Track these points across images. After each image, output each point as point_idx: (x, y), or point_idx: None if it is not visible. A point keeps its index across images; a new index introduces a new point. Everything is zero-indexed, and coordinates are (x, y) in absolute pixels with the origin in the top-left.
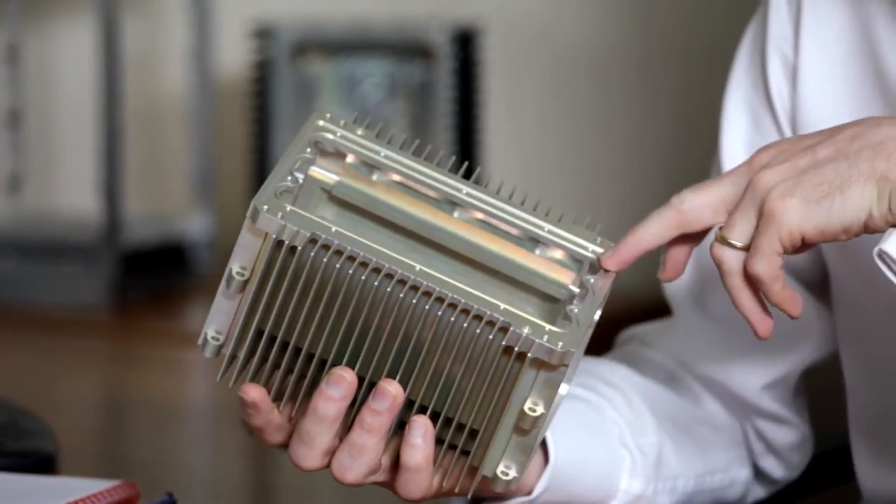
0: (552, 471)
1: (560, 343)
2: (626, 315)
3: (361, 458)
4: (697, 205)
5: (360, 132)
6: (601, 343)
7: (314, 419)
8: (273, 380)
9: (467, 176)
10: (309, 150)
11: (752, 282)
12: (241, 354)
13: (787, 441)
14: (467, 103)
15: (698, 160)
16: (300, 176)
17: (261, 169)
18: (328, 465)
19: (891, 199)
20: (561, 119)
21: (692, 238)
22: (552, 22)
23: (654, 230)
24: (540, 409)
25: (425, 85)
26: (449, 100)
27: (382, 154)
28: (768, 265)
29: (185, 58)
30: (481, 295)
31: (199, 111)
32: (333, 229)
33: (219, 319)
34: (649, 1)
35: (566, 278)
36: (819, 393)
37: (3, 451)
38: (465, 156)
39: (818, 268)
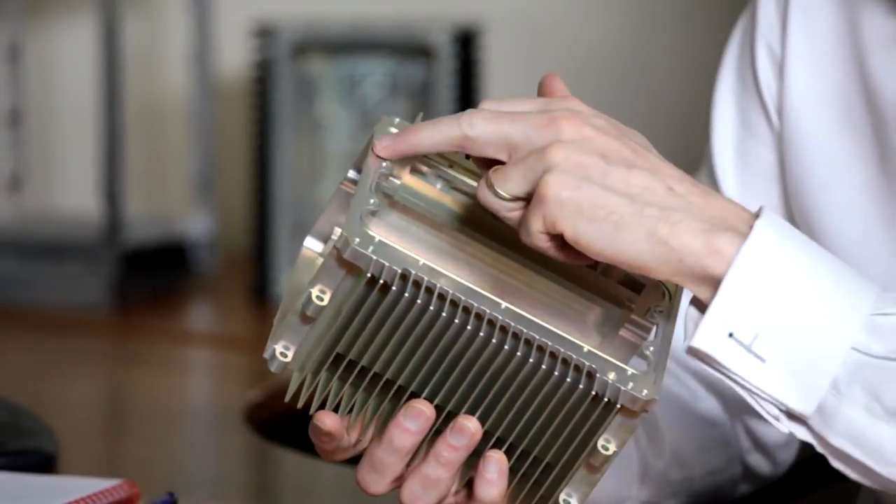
0: None
1: (644, 391)
2: None
3: (433, 489)
4: (484, 135)
5: None
6: None
7: (388, 449)
8: (340, 398)
9: None
10: (385, 164)
11: None
12: (312, 374)
13: (776, 438)
14: (468, 103)
15: (698, 158)
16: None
17: (262, 169)
18: (395, 488)
19: (666, 263)
20: None
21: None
22: (553, 22)
23: (436, 139)
24: (612, 448)
25: (426, 85)
26: (450, 99)
27: (449, 165)
28: (536, 241)
29: (185, 57)
30: (567, 336)
31: (199, 111)
32: (421, 263)
33: (289, 337)
34: (650, 1)
35: (623, 294)
36: None
37: (4, 451)
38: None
39: None
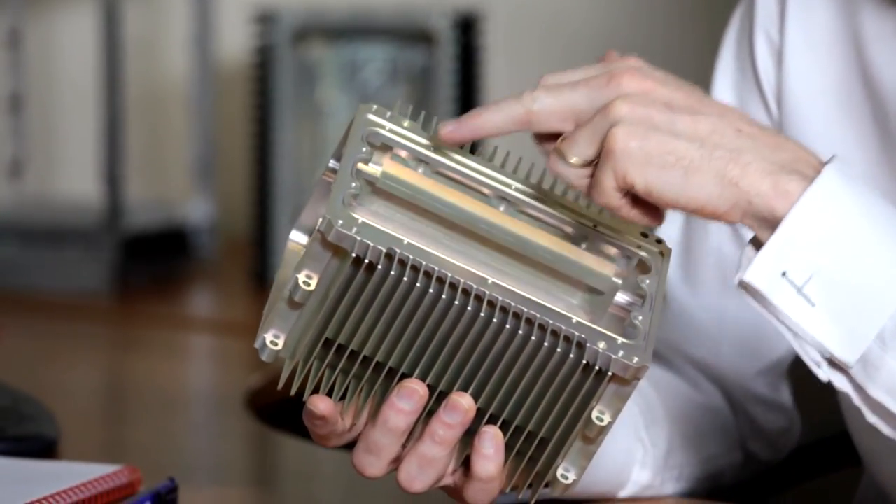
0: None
1: (635, 359)
2: None
3: (430, 469)
4: (547, 107)
5: (406, 123)
6: None
7: (383, 430)
8: (333, 383)
9: (472, 149)
10: (365, 148)
11: None
12: (303, 361)
13: (776, 425)
14: (469, 88)
15: None
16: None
17: (262, 154)
18: (392, 471)
19: (736, 205)
20: None
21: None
22: (553, 7)
23: (498, 120)
24: (607, 419)
25: (427, 70)
26: (450, 85)
27: (431, 148)
28: (609, 200)
29: (186, 43)
30: (554, 308)
31: (200, 96)
32: (406, 242)
33: (278, 324)
34: None
35: (609, 270)
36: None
37: (4, 437)
38: None
39: None
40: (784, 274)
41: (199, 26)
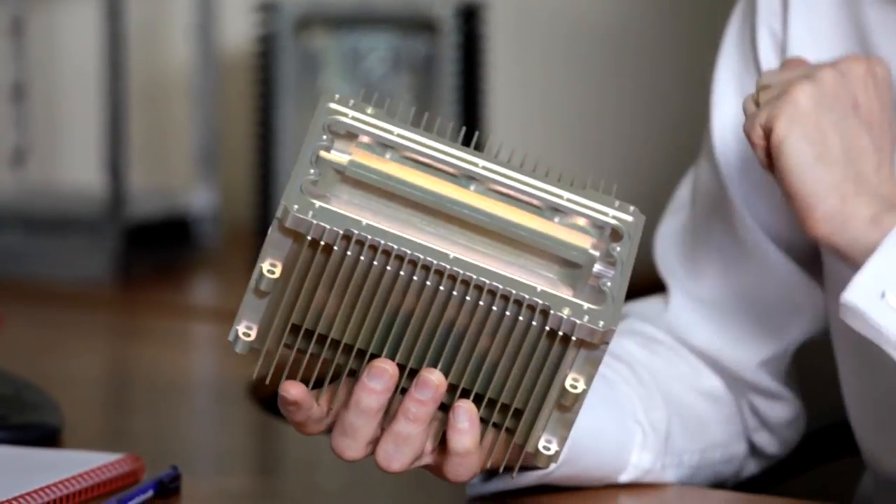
0: (570, 443)
1: (601, 322)
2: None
3: (406, 446)
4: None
5: (370, 111)
6: None
7: (357, 412)
8: (309, 371)
9: (468, 140)
10: (325, 136)
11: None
12: (276, 350)
13: (781, 417)
14: (472, 77)
15: (698, 138)
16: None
17: (265, 143)
18: (371, 454)
19: (831, 218)
20: (565, 93)
21: None
22: None
23: None
24: (581, 386)
25: (430, 59)
26: (453, 74)
27: (395, 133)
28: (750, 132)
29: (189, 32)
30: (518, 279)
31: (203, 85)
32: (364, 223)
33: (249, 315)
34: None
35: (586, 242)
36: (821, 367)
37: (8, 425)
38: (470, 129)
39: (810, 245)
40: (883, 295)
41: (201, 15)
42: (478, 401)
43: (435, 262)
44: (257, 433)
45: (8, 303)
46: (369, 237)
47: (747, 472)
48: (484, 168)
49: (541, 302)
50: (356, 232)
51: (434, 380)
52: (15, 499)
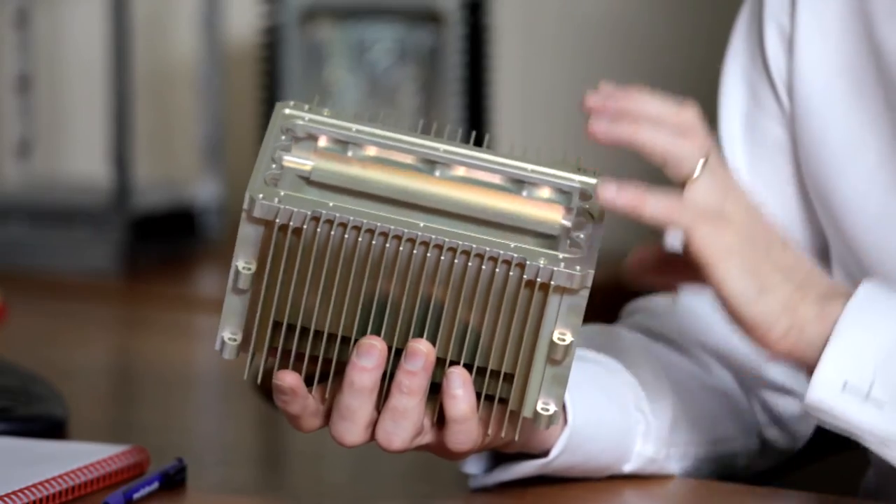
0: (570, 431)
1: (578, 266)
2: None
3: (404, 421)
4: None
5: (326, 112)
6: (606, 314)
7: (351, 392)
8: (299, 368)
9: (478, 143)
10: (283, 136)
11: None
12: (263, 350)
13: (792, 412)
14: (477, 69)
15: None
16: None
17: None
18: (371, 438)
19: (789, 331)
20: (570, 85)
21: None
22: None
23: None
24: (568, 337)
25: (435, 50)
26: (458, 65)
27: (354, 129)
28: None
29: (194, 23)
30: (490, 238)
31: (208, 76)
32: (331, 204)
33: (232, 320)
34: None
35: (557, 214)
36: None
37: (14, 417)
38: (474, 121)
39: (817, 243)
40: (845, 386)
41: (206, 6)
42: (467, 370)
43: (405, 230)
44: (263, 425)
45: (14, 294)
46: (338, 215)
47: (759, 467)
48: (445, 152)
49: (515, 255)
50: (324, 212)
51: (422, 348)
52: (20, 490)
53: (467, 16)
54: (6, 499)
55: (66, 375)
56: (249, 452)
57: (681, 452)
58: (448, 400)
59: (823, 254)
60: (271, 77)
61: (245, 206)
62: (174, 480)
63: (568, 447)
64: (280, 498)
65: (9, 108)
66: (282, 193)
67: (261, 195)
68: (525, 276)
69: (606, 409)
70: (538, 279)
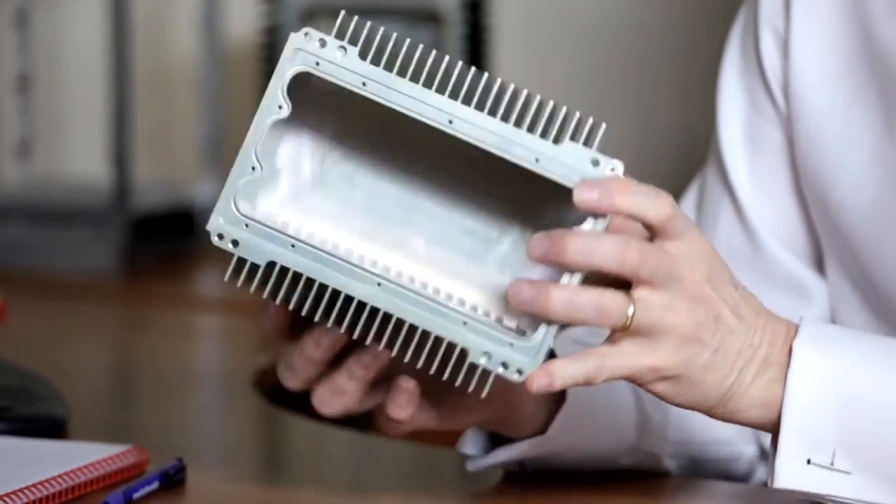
0: (568, 410)
1: (518, 368)
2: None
3: (341, 397)
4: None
5: (344, 47)
6: None
7: (301, 355)
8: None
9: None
10: (282, 107)
11: None
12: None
13: None
14: (477, 69)
15: (704, 128)
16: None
17: None
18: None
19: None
20: (571, 85)
21: None
22: None
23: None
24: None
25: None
26: None
27: (361, 84)
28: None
29: (194, 23)
30: (444, 306)
31: (208, 76)
32: (292, 244)
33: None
34: None
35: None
36: None
37: (14, 416)
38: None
39: (814, 246)
40: (809, 461)
41: (206, 6)
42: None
43: (356, 296)
44: (262, 425)
45: (13, 294)
46: (292, 269)
47: (760, 475)
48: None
49: (460, 345)
50: (279, 264)
51: (382, 357)
52: (20, 490)
53: (467, 16)
54: (6, 499)
55: (66, 375)
56: (249, 452)
57: (675, 450)
58: (391, 405)
59: (821, 263)
60: (271, 77)
61: (209, 228)
62: (174, 480)
63: (565, 427)
64: (280, 498)
65: (9, 108)
66: (245, 224)
67: (217, 235)
68: (466, 364)
69: (605, 395)
70: (477, 375)
